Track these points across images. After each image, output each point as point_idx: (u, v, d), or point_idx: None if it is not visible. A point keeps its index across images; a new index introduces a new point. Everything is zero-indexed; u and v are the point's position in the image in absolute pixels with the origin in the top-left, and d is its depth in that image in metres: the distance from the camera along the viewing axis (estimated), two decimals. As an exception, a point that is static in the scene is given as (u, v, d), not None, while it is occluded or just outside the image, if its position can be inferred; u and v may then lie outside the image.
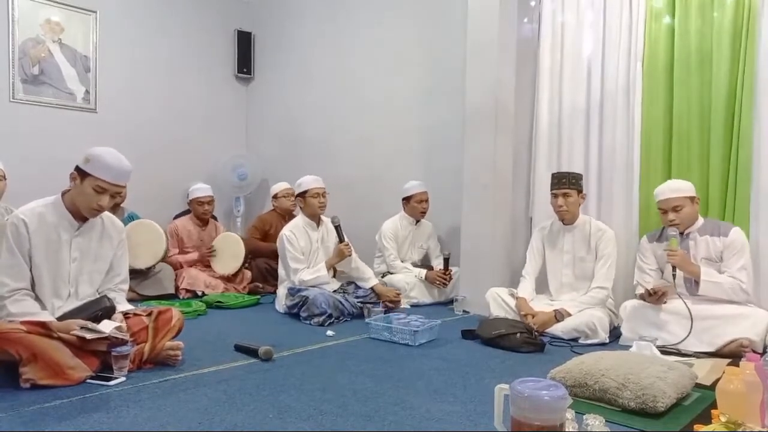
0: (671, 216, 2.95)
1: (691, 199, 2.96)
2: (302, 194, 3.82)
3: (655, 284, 2.96)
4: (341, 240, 3.80)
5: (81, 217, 2.40)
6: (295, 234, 3.73)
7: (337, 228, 3.81)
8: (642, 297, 2.96)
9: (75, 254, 2.40)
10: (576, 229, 3.36)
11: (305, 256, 3.75)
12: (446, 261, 4.09)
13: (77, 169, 2.33)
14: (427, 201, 4.25)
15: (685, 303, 2.78)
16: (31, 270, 2.30)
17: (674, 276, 2.88)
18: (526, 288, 3.38)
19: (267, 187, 5.35)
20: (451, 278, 4.07)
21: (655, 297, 2.89)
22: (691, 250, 2.98)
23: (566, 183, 3.26)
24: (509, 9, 3.81)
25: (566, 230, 3.39)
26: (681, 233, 2.97)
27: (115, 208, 4.15)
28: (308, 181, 3.82)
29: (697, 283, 2.87)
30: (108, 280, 2.54)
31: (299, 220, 3.85)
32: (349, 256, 3.79)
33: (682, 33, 3.35)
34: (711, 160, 3.24)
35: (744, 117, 3.11)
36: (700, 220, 3.01)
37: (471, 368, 2.49)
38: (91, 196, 2.32)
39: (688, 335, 2.75)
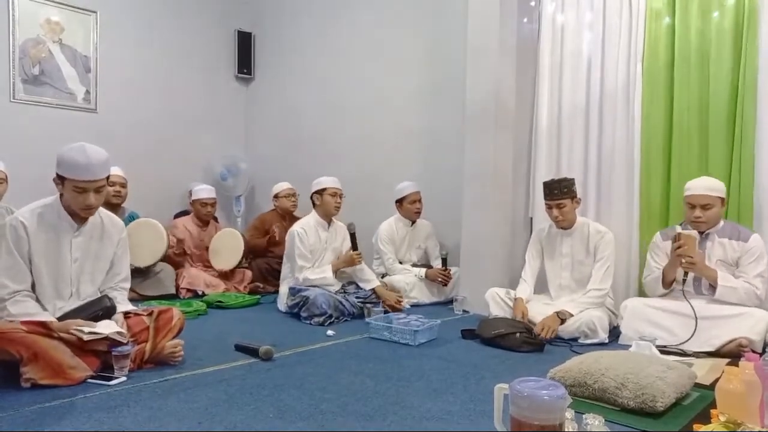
0: (698, 213, 2.91)
1: (722, 200, 2.93)
2: (320, 192, 3.80)
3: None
4: (354, 248, 3.78)
5: (80, 217, 2.39)
6: (306, 231, 3.73)
7: (353, 236, 3.79)
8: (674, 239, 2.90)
9: (76, 254, 2.39)
10: (575, 232, 3.35)
11: (312, 255, 3.75)
12: (444, 261, 4.08)
13: (57, 173, 2.29)
14: (420, 201, 4.24)
15: (691, 305, 2.76)
16: (31, 272, 2.30)
17: (684, 281, 2.88)
18: (524, 290, 3.37)
19: (266, 188, 5.34)
20: (450, 277, 4.07)
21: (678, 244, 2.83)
22: (707, 250, 2.95)
23: (558, 193, 3.23)
24: (509, 9, 3.81)
25: (565, 234, 3.38)
26: (701, 233, 2.93)
27: (115, 208, 4.17)
28: (326, 180, 3.82)
29: (713, 287, 2.87)
30: (109, 278, 2.54)
31: (311, 219, 3.84)
32: (359, 264, 3.79)
33: (682, 33, 3.36)
34: (711, 160, 3.24)
35: (746, 117, 3.10)
36: (721, 222, 2.98)
37: (471, 368, 2.49)
38: (75, 198, 2.29)
39: (692, 336, 2.74)
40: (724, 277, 2.84)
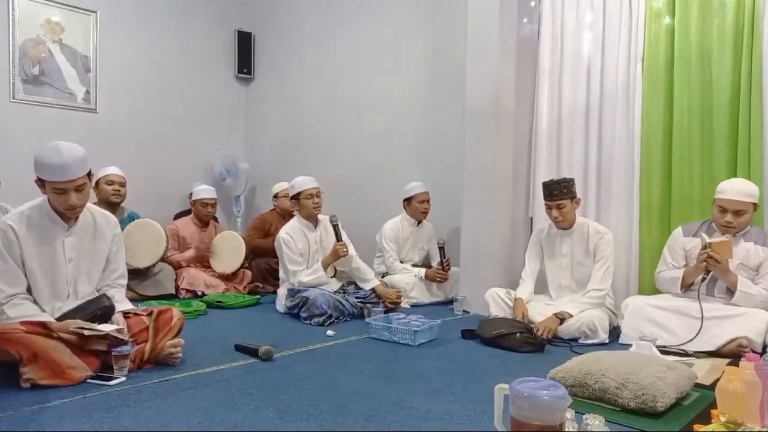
0: (729, 218, 2.83)
1: (755, 205, 2.86)
2: (296, 196, 3.79)
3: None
4: (338, 239, 3.79)
5: (69, 217, 2.37)
6: (292, 236, 3.72)
7: (335, 227, 3.79)
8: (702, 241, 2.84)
9: (70, 255, 2.38)
10: (574, 233, 3.35)
11: (304, 258, 3.74)
12: (442, 250, 4.07)
13: (36, 176, 2.26)
14: (428, 201, 4.25)
15: (701, 307, 2.75)
16: (26, 275, 2.29)
17: (704, 279, 2.85)
18: (524, 290, 3.37)
19: (266, 188, 5.35)
20: (450, 266, 4.07)
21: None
22: None
23: (558, 194, 3.22)
24: (509, 9, 3.81)
25: (564, 234, 3.37)
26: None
27: (114, 207, 4.17)
28: (300, 183, 3.79)
29: (730, 291, 2.85)
30: (105, 276, 2.53)
31: (296, 222, 3.83)
32: (345, 255, 3.77)
33: (682, 33, 3.35)
34: (714, 160, 3.23)
35: (753, 117, 3.08)
36: (748, 226, 2.92)
37: (471, 368, 2.49)
38: (56, 198, 2.26)
39: (695, 336, 2.73)
40: (743, 283, 2.81)
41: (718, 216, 2.90)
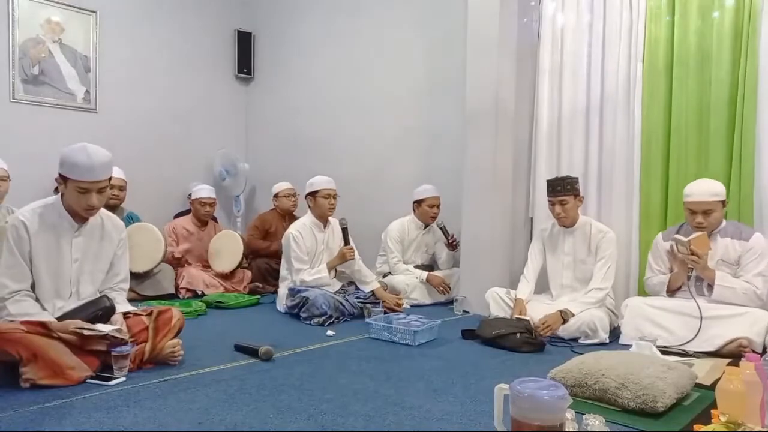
0: (700, 219, 2.88)
1: (723, 202, 2.90)
2: (312, 194, 3.79)
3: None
4: (346, 243, 3.79)
5: (80, 217, 2.39)
6: (301, 234, 3.72)
7: (344, 230, 3.80)
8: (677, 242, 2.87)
9: (76, 255, 2.39)
10: (577, 231, 3.35)
11: (309, 257, 3.75)
12: (444, 230, 4.17)
13: (59, 173, 2.29)
14: (438, 206, 4.23)
15: (698, 304, 2.76)
16: (31, 271, 2.30)
17: (689, 277, 2.88)
18: (524, 289, 3.37)
19: (266, 188, 5.35)
20: (456, 242, 4.13)
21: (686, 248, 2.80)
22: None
23: (561, 190, 3.23)
24: (509, 9, 3.81)
25: (567, 233, 3.38)
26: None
27: (114, 208, 4.17)
28: (320, 182, 3.80)
29: (710, 286, 2.87)
30: (108, 279, 2.53)
31: (306, 220, 3.83)
32: (352, 260, 3.78)
33: (682, 33, 3.36)
34: (711, 160, 3.24)
35: (747, 118, 3.09)
36: (723, 222, 2.96)
37: (471, 368, 2.49)
38: (77, 198, 2.29)
39: (695, 336, 2.73)
40: (721, 277, 2.83)
41: (689, 218, 2.96)
